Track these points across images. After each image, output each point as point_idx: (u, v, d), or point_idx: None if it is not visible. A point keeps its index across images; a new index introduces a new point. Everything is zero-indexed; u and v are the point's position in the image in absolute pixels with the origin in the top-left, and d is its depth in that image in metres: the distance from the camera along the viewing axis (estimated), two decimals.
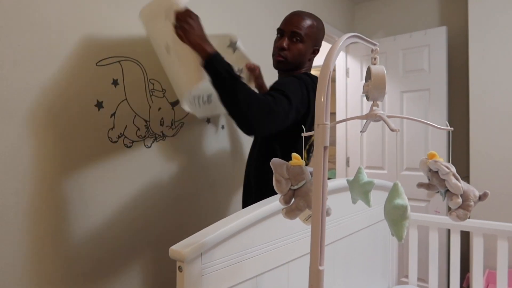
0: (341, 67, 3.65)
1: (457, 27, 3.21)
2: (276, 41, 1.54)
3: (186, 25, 1.29)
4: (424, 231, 2.53)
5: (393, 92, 3.31)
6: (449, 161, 2.40)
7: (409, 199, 2.34)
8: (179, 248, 0.80)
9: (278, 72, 1.64)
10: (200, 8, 1.81)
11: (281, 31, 1.52)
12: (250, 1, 2.31)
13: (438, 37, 3.09)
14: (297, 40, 1.47)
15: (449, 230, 2.86)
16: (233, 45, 1.68)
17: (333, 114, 3.98)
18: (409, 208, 0.50)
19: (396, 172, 3.33)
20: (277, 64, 1.55)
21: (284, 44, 1.47)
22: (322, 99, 0.55)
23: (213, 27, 2.02)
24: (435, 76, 3.11)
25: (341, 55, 3.62)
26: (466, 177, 2.96)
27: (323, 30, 1.60)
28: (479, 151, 2.83)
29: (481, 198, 0.66)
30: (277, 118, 1.21)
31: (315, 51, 1.57)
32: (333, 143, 4.15)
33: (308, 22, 1.49)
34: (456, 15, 3.23)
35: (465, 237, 2.85)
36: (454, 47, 3.22)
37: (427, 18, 3.38)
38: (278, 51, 1.50)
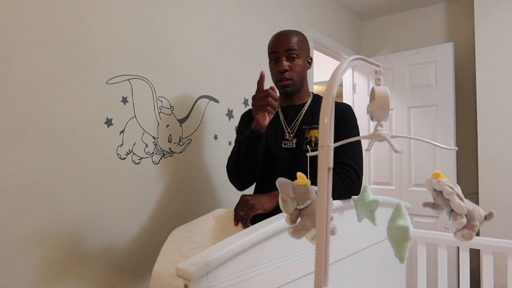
0: (348, 83, 3.66)
1: (464, 43, 3.22)
2: (272, 67, 1.50)
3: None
4: (433, 248, 2.50)
5: (400, 108, 3.31)
6: (455, 180, 2.37)
7: (417, 215, 2.32)
8: (185, 267, 0.81)
9: (281, 96, 1.59)
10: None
11: (275, 55, 1.47)
12: (256, 24, 2.35)
13: (445, 53, 3.10)
14: (294, 57, 1.45)
15: (458, 248, 2.82)
16: None
17: None
18: (411, 229, 0.51)
19: (400, 188, 3.30)
20: (284, 89, 1.50)
21: (285, 66, 1.44)
22: (326, 120, 0.56)
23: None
24: (443, 92, 3.11)
25: (348, 71, 3.65)
26: (475, 194, 2.93)
27: (307, 40, 1.59)
28: (488, 167, 2.81)
29: (486, 218, 0.66)
30: (347, 196, 1.35)
31: (310, 63, 1.56)
32: None
33: (295, 37, 1.47)
34: (463, 32, 3.25)
35: (476, 254, 2.81)
36: (461, 63, 3.22)
37: (433, 35, 3.40)
38: (280, 75, 1.46)
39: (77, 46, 1.42)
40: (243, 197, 1.29)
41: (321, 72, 3.99)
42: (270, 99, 1.24)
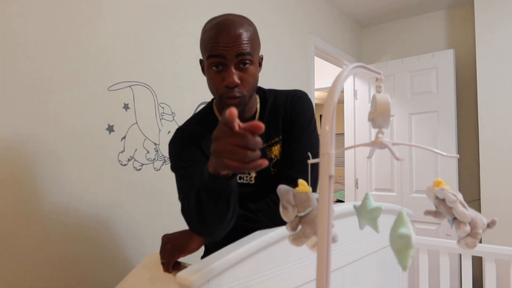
0: (349, 89, 3.67)
1: (465, 49, 3.23)
2: (213, 77, 1.00)
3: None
4: (435, 256, 2.49)
5: (401, 114, 3.31)
6: (457, 187, 2.37)
7: (419, 222, 2.31)
8: (186, 274, 0.80)
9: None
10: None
11: (218, 59, 0.97)
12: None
13: (446, 59, 3.11)
14: (246, 63, 0.99)
15: (460, 255, 2.81)
16: None
17: (341, 135, 3.99)
18: (413, 237, 0.51)
19: (402, 194, 3.29)
20: (232, 107, 0.83)
21: (236, 79, 0.97)
22: (327, 128, 0.56)
23: None
24: (444, 98, 3.11)
25: (349, 77, 3.66)
26: (477, 201, 2.92)
27: (257, 31, 1.10)
28: (489, 174, 2.80)
29: (489, 225, 0.66)
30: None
31: (261, 63, 1.11)
32: (341, 164, 4.15)
33: (247, 32, 1.00)
34: (463, 38, 3.26)
35: (478, 261, 2.79)
36: (461, 69, 3.23)
37: (434, 41, 3.41)
38: (227, 91, 0.99)
39: (80, 53, 1.43)
40: (162, 239, 1.06)
41: (322, 78, 4.00)
42: (249, 153, 0.61)
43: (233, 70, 0.98)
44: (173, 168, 1.12)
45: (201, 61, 1.08)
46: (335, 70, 3.73)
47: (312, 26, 2.95)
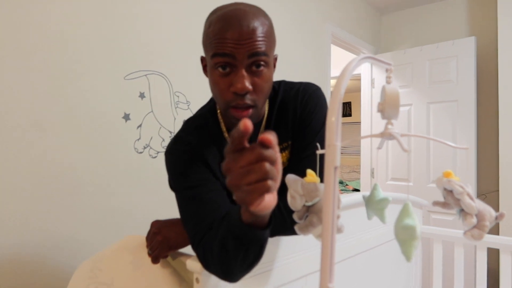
0: (366, 78, 3.63)
1: (486, 37, 3.14)
2: (219, 81, 0.82)
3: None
4: (449, 247, 2.47)
5: (419, 104, 3.26)
6: (475, 177, 2.32)
7: (435, 212, 2.28)
8: (196, 260, 0.83)
9: (229, 120, 0.92)
10: None
11: (226, 59, 0.79)
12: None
13: (467, 47, 3.03)
14: (261, 66, 0.81)
15: (476, 246, 2.78)
16: None
17: (358, 123, 3.95)
18: (418, 228, 0.51)
19: (419, 185, 3.26)
20: (245, 120, 0.59)
21: (247, 84, 0.79)
22: (333, 119, 0.56)
23: None
24: (463, 87, 3.04)
25: (367, 66, 3.61)
26: (495, 192, 2.87)
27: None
28: (509, 165, 2.74)
29: (497, 218, 0.66)
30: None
31: (275, 64, 0.91)
32: (358, 153, 4.12)
33: (262, 23, 0.81)
34: (485, 25, 3.16)
35: (495, 253, 2.76)
36: (483, 58, 3.14)
37: (455, 29, 3.33)
38: (236, 98, 0.80)
39: (96, 43, 1.45)
40: (152, 226, 0.98)
41: (339, 66, 3.96)
42: (266, 165, 0.52)
43: (244, 74, 0.79)
44: (174, 188, 0.92)
45: (202, 59, 0.91)
46: (347, 56, 3.69)
47: (329, 13, 2.92)
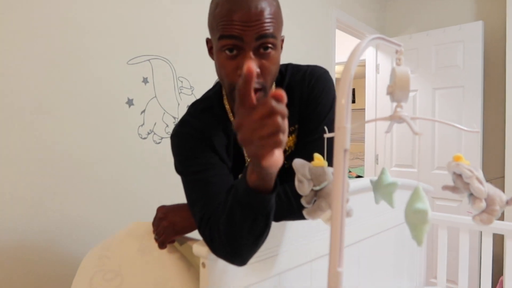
0: (371, 63, 3.59)
1: (494, 22, 3.09)
2: (225, 64, 0.82)
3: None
4: (454, 233, 2.47)
5: (425, 89, 3.23)
6: (481, 163, 2.31)
7: (439, 198, 2.28)
8: (202, 245, 0.82)
9: (232, 103, 0.94)
10: None
11: (233, 41, 0.78)
12: None
13: (474, 32, 2.99)
14: (268, 48, 0.80)
15: (481, 232, 2.78)
16: None
17: (362, 110, 3.93)
18: (429, 212, 0.50)
19: (424, 171, 3.24)
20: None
21: (255, 68, 0.73)
22: (343, 101, 0.55)
23: None
24: (470, 73, 3.01)
25: (372, 51, 3.56)
26: (501, 178, 2.86)
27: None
28: None
29: (508, 202, 0.65)
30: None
31: (282, 44, 0.91)
32: (361, 139, 4.11)
33: (270, 3, 0.80)
34: (493, 9, 3.11)
35: (499, 239, 2.76)
36: (490, 43, 3.10)
37: (461, 13, 3.27)
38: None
39: (99, 27, 1.44)
40: (158, 211, 0.99)
41: (344, 52, 3.91)
42: (279, 118, 0.53)
43: (252, 56, 0.78)
44: (181, 171, 0.91)
45: (208, 41, 0.89)
46: (352, 42, 3.64)
47: None
